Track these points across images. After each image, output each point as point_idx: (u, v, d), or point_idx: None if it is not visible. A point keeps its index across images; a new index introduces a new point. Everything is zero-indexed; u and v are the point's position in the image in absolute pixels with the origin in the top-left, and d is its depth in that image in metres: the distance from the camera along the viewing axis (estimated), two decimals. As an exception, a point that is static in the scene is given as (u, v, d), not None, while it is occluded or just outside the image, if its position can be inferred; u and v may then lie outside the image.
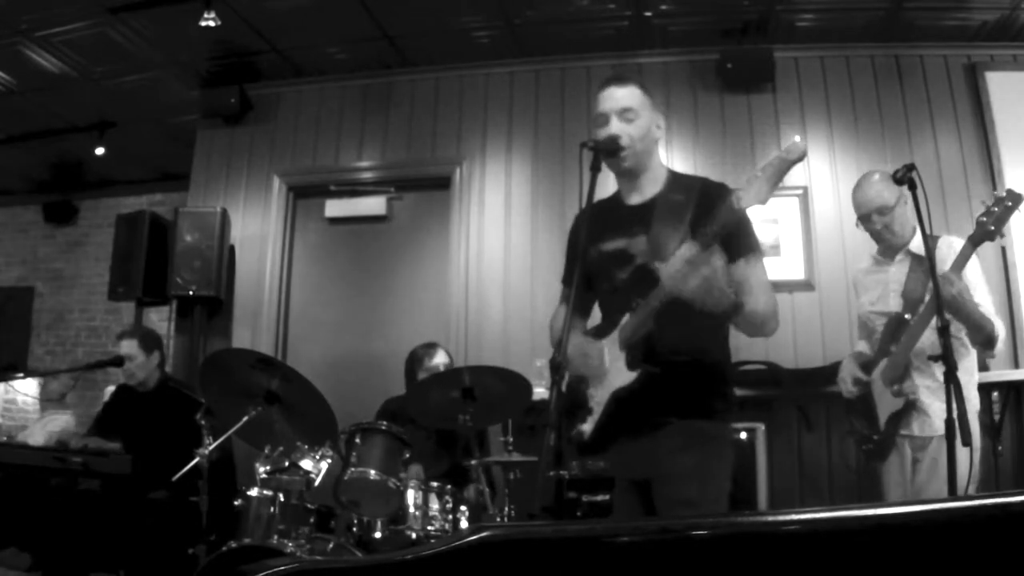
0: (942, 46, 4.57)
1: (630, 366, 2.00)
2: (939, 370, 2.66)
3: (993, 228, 2.55)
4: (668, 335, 1.99)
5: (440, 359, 3.70)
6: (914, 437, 2.76)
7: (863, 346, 3.04)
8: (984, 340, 2.64)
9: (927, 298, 2.63)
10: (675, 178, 2.17)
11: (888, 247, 2.91)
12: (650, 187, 2.15)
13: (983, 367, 3.15)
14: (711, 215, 1.84)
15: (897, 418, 2.77)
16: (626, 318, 2.03)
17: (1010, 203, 2.57)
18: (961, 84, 4.54)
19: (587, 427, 2.06)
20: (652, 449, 2.00)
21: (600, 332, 2.14)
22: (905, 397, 2.73)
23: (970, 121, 4.46)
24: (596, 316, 2.29)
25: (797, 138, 1.72)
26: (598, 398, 2.06)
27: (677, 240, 1.91)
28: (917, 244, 2.79)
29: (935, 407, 2.69)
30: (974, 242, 2.57)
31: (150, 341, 3.86)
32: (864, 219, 2.89)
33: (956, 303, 2.54)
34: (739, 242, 1.97)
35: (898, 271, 2.85)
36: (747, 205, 1.75)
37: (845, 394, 2.97)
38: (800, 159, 1.72)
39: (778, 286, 4.23)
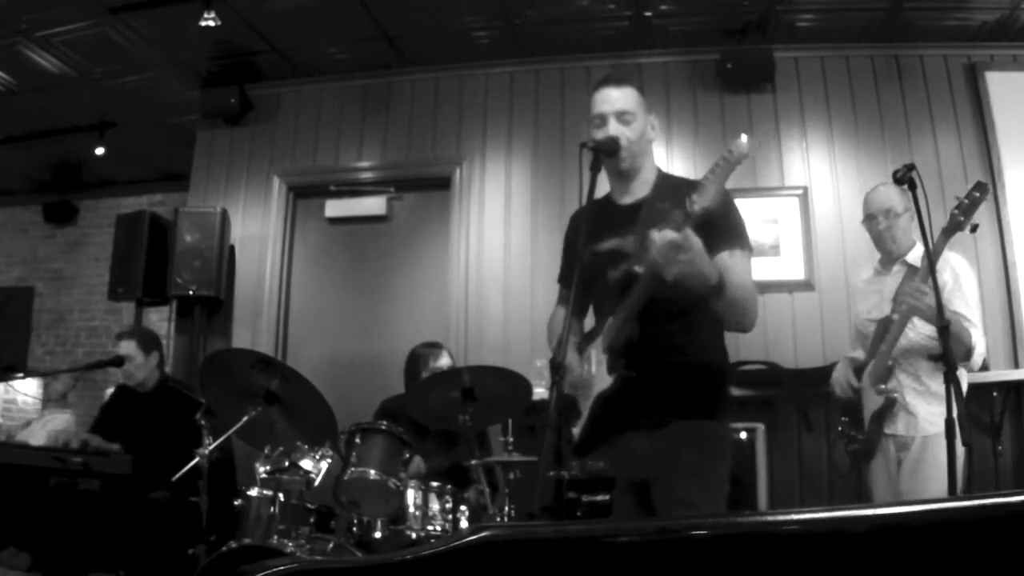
0: (942, 46, 4.57)
1: (610, 370, 2.01)
2: (925, 371, 2.70)
3: (963, 219, 2.63)
4: (653, 337, 1.99)
5: (445, 361, 3.70)
6: (897, 436, 2.80)
7: (859, 353, 3.06)
8: (963, 352, 2.68)
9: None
10: (664, 180, 2.18)
11: (887, 255, 2.96)
12: (640, 188, 2.16)
13: (983, 367, 3.16)
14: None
15: (880, 417, 2.82)
16: (609, 321, 2.04)
17: (978, 194, 2.66)
18: (961, 84, 4.54)
19: (576, 429, 2.07)
20: (652, 449, 2.00)
21: (591, 335, 2.14)
22: (887, 395, 2.76)
23: (970, 121, 4.46)
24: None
25: (743, 138, 1.70)
26: (586, 401, 2.07)
27: None
28: (914, 256, 2.85)
29: (921, 408, 2.74)
30: (947, 234, 2.65)
31: (149, 342, 3.86)
32: (870, 218, 2.96)
33: (930, 314, 2.60)
34: (720, 235, 1.96)
35: (894, 281, 2.89)
36: (700, 208, 1.74)
37: (839, 393, 2.99)
38: (742, 159, 1.72)
39: (778, 286, 4.31)
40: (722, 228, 1.95)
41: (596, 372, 2.06)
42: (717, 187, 1.74)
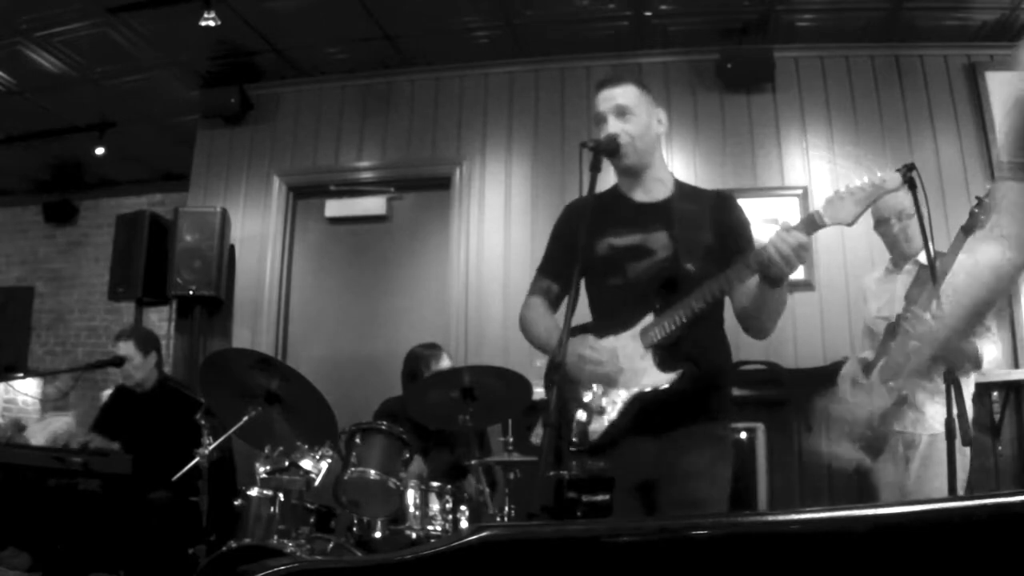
0: (942, 46, 4.57)
1: (662, 366, 1.97)
2: (935, 370, 2.70)
3: (984, 218, 2.63)
4: (693, 336, 1.98)
5: (445, 363, 3.70)
6: (905, 433, 2.81)
7: (868, 353, 3.06)
8: (973, 363, 2.70)
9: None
10: (682, 187, 2.19)
11: (900, 255, 2.98)
12: (657, 187, 2.15)
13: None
14: (761, 245, 1.88)
15: (889, 415, 2.81)
16: (650, 317, 2.00)
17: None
18: (961, 84, 4.54)
19: (596, 426, 1.98)
20: (660, 450, 1.99)
21: (601, 329, 2.09)
22: (899, 392, 2.77)
23: (970, 121, 4.46)
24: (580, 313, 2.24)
25: (897, 172, 1.74)
26: (612, 397, 2.00)
27: (703, 245, 1.94)
28: (925, 256, 2.85)
29: (929, 407, 2.74)
30: (965, 232, 2.65)
31: (147, 342, 3.84)
32: (883, 222, 2.97)
33: (928, 339, 2.62)
34: (743, 250, 2.00)
35: (905, 280, 2.89)
36: (832, 223, 1.79)
37: (841, 394, 2.99)
38: (894, 191, 1.76)
39: (778, 286, 4.29)
40: (744, 242, 2.01)
41: (626, 367, 2.00)
42: (858, 210, 1.78)
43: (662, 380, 1.96)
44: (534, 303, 2.26)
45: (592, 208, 1.91)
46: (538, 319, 2.20)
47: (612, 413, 1.99)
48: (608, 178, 2.21)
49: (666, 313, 1.98)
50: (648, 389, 1.97)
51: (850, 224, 1.81)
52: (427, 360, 3.71)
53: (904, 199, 2.88)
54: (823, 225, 1.79)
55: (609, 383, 2.00)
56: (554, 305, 2.23)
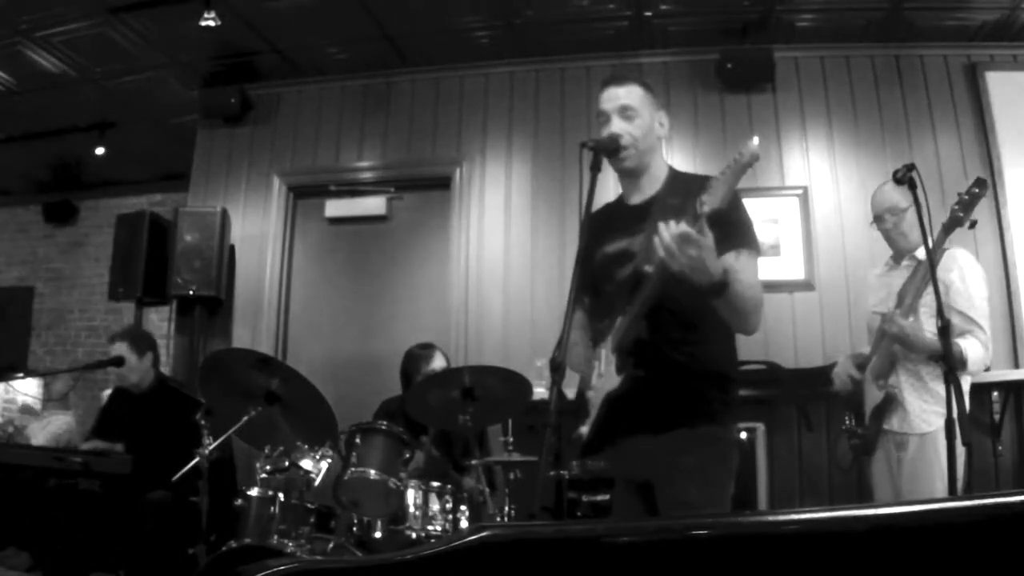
0: (942, 46, 4.57)
1: (618, 370, 1.99)
2: (925, 369, 2.71)
3: (963, 215, 2.65)
4: (662, 338, 1.98)
5: (439, 363, 3.69)
6: (894, 432, 2.82)
7: (867, 348, 3.06)
8: (957, 364, 2.66)
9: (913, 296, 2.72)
10: (676, 177, 2.15)
11: (898, 250, 2.98)
12: (650, 186, 2.13)
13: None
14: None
15: (880, 412, 2.84)
16: (619, 321, 2.03)
17: (977, 190, 2.68)
18: (961, 84, 4.54)
19: (585, 428, 2.06)
20: (653, 451, 2.00)
21: (602, 334, 2.13)
22: (886, 390, 2.78)
23: (970, 121, 4.46)
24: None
25: (755, 140, 1.70)
26: (594, 400, 2.06)
27: None
28: (923, 252, 2.84)
29: (916, 405, 2.75)
30: (946, 229, 2.67)
31: (141, 343, 3.82)
32: (877, 219, 2.98)
33: (901, 340, 2.70)
34: (727, 235, 1.93)
35: (903, 275, 2.90)
36: (709, 209, 1.73)
37: (839, 387, 3.01)
38: (753, 162, 1.71)
39: (778, 286, 4.31)
40: (729, 228, 1.93)
41: (605, 372, 2.04)
42: (727, 189, 1.72)
43: (615, 385, 1.98)
44: (575, 322, 2.26)
45: (597, 217, 1.91)
46: (572, 347, 2.18)
47: (592, 416, 2.04)
48: (611, 184, 2.22)
49: (624, 316, 2.00)
50: (607, 392, 2.00)
51: (723, 206, 1.72)
52: (417, 361, 3.70)
53: (893, 195, 2.89)
54: (702, 213, 1.73)
55: (598, 384, 2.06)
56: (593, 316, 2.23)
